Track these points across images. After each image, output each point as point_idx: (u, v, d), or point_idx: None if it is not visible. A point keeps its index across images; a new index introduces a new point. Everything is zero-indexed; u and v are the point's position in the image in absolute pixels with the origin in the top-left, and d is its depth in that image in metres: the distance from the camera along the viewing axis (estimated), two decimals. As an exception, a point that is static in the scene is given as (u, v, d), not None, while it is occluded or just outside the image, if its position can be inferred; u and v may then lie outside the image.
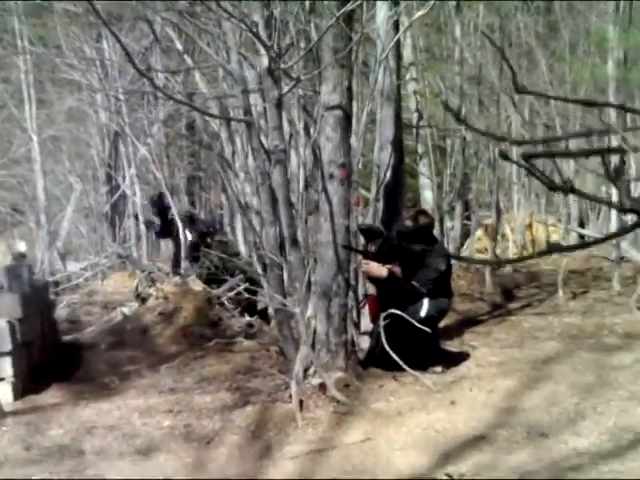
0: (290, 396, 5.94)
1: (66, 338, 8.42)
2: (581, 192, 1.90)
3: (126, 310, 9.01)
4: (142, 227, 12.85)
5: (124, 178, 13.78)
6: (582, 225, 17.30)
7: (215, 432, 5.63)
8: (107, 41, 12.73)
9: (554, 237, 16.59)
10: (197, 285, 9.11)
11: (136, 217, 12.98)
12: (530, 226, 16.69)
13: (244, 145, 8.25)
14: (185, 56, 8.79)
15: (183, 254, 10.76)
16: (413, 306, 6.75)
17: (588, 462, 4.39)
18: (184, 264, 10.57)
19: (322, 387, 6.01)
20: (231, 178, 7.95)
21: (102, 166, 15.12)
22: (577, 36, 18.27)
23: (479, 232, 15.61)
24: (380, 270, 6.79)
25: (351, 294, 6.75)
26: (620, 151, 2.18)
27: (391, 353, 6.34)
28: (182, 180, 17.53)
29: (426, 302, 6.79)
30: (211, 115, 7.31)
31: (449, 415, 5.52)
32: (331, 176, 6.20)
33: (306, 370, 6.18)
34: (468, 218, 14.26)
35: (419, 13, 7.51)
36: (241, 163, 8.40)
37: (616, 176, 2.10)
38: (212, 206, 18.45)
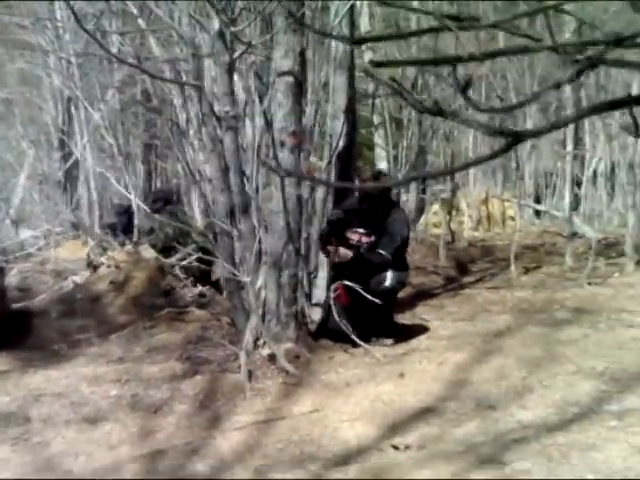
0: (239, 366, 5.92)
1: (16, 306, 8.28)
2: (450, 113, 1.86)
3: (77, 279, 8.89)
4: (95, 195, 12.69)
5: (77, 144, 13.55)
6: (538, 201, 17.40)
7: (163, 401, 5.58)
8: (60, 2, 12.44)
9: (509, 212, 16.68)
10: (150, 254, 9.02)
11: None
12: (486, 201, 16.77)
13: (198, 113, 8.15)
14: (139, 20, 8.64)
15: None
16: (377, 276, 6.75)
17: (533, 434, 4.40)
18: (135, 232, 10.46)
19: (272, 358, 5.98)
20: (184, 145, 7.85)
21: (56, 132, 14.87)
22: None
23: (435, 206, 15.68)
24: (347, 254, 6.77)
25: (302, 264, 6.70)
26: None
27: (341, 325, 6.32)
28: (138, 148, 17.35)
29: (390, 273, 6.78)
30: (161, 79, 7.20)
31: (398, 387, 5.51)
32: (282, 144, 6.13)
33: (256, 341, 6.14)
34: (424, 191, 14.30)
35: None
36: (195, 130, 8.29)
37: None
38: (168, 175, 18.28)
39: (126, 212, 11.47)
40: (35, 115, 15.88)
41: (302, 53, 6.21)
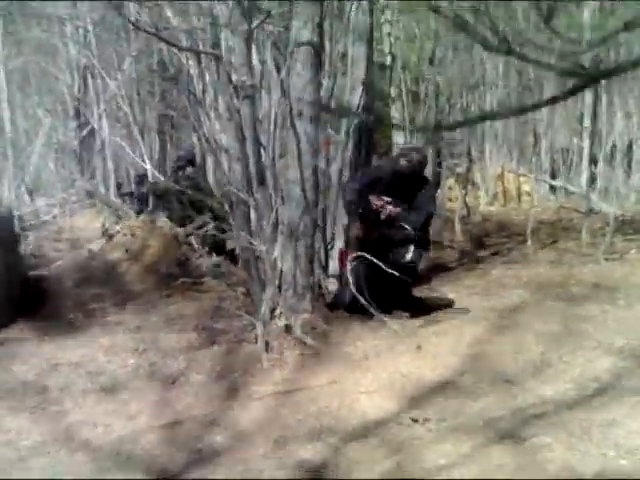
0: (256, 337, 5.91)
1: (32, 273, 8.29)
2: (519, 53, 1.81)
3: (93, 246, 8.88)
4: (110, 165, 12.68)
5: (93, 113, 13.53)
6: (553, 177, 17.27)
7: (180, 372, 5.60)
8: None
9: (525, 187, 16.57)
10: (164, 222, 9.00)
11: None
12: (501, 176, 16.66)
13: (215, 82, 8.10)
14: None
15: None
16: (400, 249, 6.72)
17: (552, 410, 4.40)
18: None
19: (288, 329, 5.96)
20: (200, 115, 7.81)
21: (72, 101, 14.83)
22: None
23: (451, 181, 15.60)
24: (396, 210, 6.77)
25: (319, 235, 6.67)
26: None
27: (358, 297, 6.29)
28: (153, 119, 17.29)
29: (412, 247, 6.76)
30: (179, 47, 7.13)
31: (415, 360, 5.51)
32: (300, 114, 6.08)
33: (272, 311, 6.10)
34: (439, 165, 14.19)
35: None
36: (211, 100, 8.24)
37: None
38: (184, 145, 18.24)
39: (144, 181, 11.46)
40: (51, 84, 15.84)
41: (320, 24, 6.14)
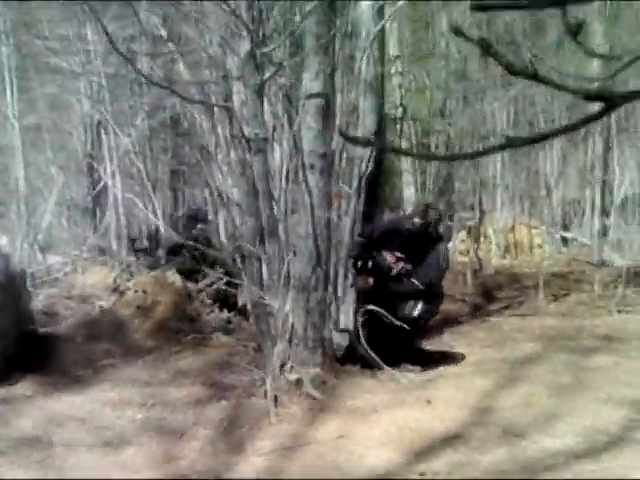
0: (265, 392, 5.87)
1: (42, 330, 8.28)
2: (544, 78, 1.78)
3: (104, 303, 8.88)
4: (123, 221, 12.70)
5: (106, 170, 13.60)
6: (565, 228, 17.27)
7: (188, 426, 5.56)
8: (90, 27, 12.49)
9: (537, 240, 16.56)
10: (176, 279, 9.00)
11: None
12: (513, 228, 16.66)
13: (227, 136, 8.15)
14: (169, 44, 8.67)
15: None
16: (408, 304, 6.71)
17: (562, 462, 4.36)
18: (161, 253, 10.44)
19: (298, 383, 5.94)
20: (213, 169, 7.84)
21: (84, 157, 14.93)
22: (563, 34, 18.25)
23: (462, 233, 15.60)
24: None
25: (330, 289, 6.64)
26: None
27: (369, 351, 6.28)
28: (165, 174, 17.37)
29: (420, 303, 6.76)
30: (191, 101, 7.18)
31: (425, 413, 5.48)
32: (312, 166, 6.09)
33: (282, 366, 6.08)
34: (451, 218, 14.21)
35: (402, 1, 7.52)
36: (223, 155, 8.29)
37: None
38: (196, 200, 18.33)
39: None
40: (64, 140, 15.99)
41: (332, 75, 6.18)
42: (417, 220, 7.00)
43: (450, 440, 4.96)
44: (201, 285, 8.89)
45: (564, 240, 16.16)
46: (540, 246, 15.63)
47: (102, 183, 14.20)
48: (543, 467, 4.32)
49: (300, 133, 6.16)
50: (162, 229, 10.85)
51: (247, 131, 6.17)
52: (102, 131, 13.66)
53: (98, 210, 14.71)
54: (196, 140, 7.77)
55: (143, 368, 7.16)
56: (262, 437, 5.30)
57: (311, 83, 6.06)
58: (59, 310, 9.81)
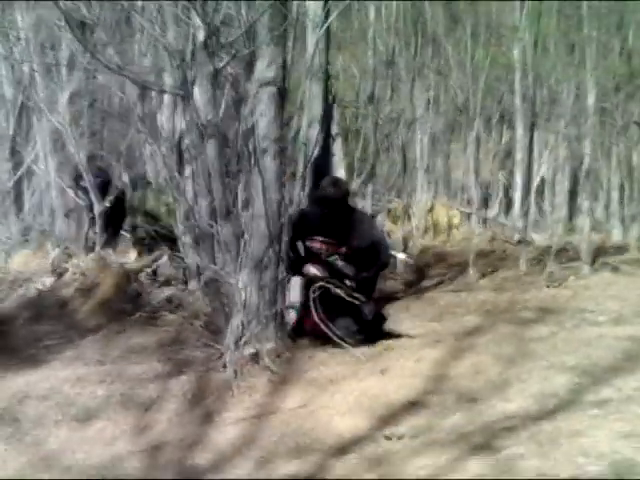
0: (224, 365, 6.07)
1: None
2: None
3: (40, 285, 8.87)
4: (55, 201, 12.48)
5: (32, 153, 13.38)
6: (484, 209, 17.75)
7: (152, 400, 5.70)
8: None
9: (455, 220, 17.06)
10: (115, 259, 9.07)
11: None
12: (431, 210, 17.09)
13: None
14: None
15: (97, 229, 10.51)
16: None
17: (519, 423, 4.63)
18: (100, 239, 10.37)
19: (255, 356, 6.15)
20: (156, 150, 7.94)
21: (6, 141, 14.64)
22: (478, 27, 18.81)
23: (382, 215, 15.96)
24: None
25: (282, 267, 6.86)
26: None
27: (321, 325, 6.51)
28: (83, 159, 17.07)
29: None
30: (146, 87, 7.28)
31: (380, 383, 5.68)
32: (264, 151, 6.31)
33: (237, 341, 6.28)
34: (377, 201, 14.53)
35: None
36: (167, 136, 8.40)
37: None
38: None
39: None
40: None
41: (284, 65, 6.40)
42: (331, 190, 7.22)
43: (409, 407, 5.21)
44: (142, 264, 8.96)
45: (484, 220, 16.68)
46: (457, 227, 16.14)
47: (24, 166, 13.93)
48: (502, 427, 4.60)
49: (253, 119, 6.36)
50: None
51: (202, 116, 6.32)
52: (24, 114, 13.46)
53: (22, 194, 14.46)
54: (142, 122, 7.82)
55: (92, 347, 7.18)
56: (228, 408, 5.50)
57: (264, 72, 6.27)
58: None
